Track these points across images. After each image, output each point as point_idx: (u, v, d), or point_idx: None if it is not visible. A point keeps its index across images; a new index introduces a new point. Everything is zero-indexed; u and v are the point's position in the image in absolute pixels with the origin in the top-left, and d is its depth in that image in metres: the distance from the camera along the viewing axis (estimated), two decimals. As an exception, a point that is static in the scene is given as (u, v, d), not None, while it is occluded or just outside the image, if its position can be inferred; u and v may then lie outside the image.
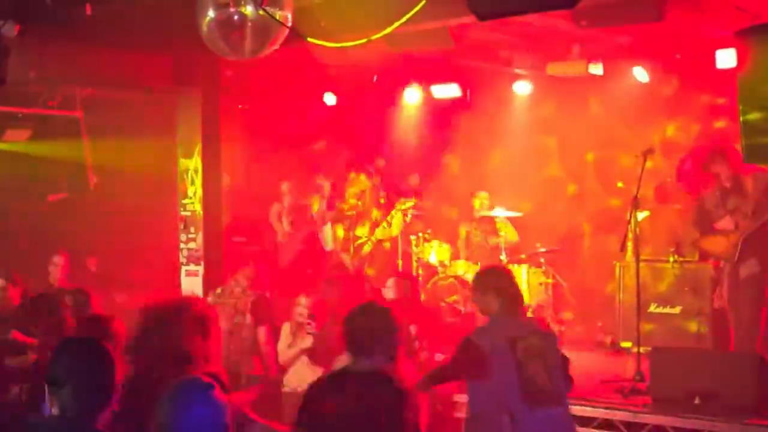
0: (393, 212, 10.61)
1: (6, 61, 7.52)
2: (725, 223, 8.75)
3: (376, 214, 10.76)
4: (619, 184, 11.41)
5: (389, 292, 8.38)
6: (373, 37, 7.22)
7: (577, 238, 12.54)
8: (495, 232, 11.75)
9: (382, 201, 10.82)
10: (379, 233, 10.64)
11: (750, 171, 8.63)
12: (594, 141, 12.27)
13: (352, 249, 10.95)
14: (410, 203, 10.83)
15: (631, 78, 11.11)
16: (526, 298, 11.10)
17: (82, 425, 3.59)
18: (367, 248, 10.72)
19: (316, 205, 11.46)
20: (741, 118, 7.46)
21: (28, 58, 8.67)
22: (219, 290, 9.54)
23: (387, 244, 10.86)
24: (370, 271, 10.77)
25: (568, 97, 12.15)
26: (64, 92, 11.06)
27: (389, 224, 10.63)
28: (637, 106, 11.70)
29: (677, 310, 9.76)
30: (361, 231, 10.81)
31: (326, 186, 11.56)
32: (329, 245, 11.42)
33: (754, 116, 7.40)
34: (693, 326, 9.64)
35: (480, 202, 12.06)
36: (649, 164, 8.60)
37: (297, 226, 11.45)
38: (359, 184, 10.80)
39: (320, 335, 8.18)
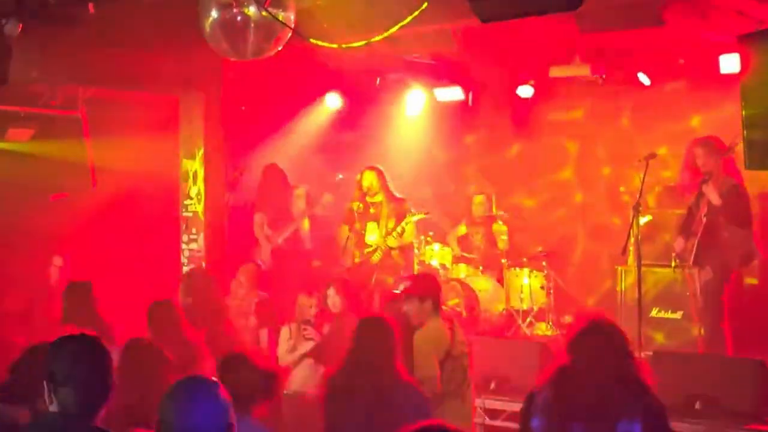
0: (405, 222, 10.54)
1: (8, 60, 7.53)
2: (697, 225, 8.73)
3: (384, 218, 10.67)
4: (621, 189, 11.43)
5: None
6: (375, 39, 7.22)
7: (573, 243, 12.51)
8: (493, 235, 11.76)
9: (392, 207, 10.72)
10: (391, 241, 10.57)
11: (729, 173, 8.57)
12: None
13: (358, 255, 10.88)
14: (422, 215, 10.77)
15: (635, 83, 11.12)
16: (527, 302, 11.12)
17: (81, 423, 3.59)
18: (377, 257, 10.66)
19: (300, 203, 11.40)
20: (744, 124, 7.46)
21: (30, 58, 8.66)
22: None
23: (395, 253, 10.82)
24: (389, 280, 10.70)
25: (573, 102, 12.15)
26: (67, 92, 11.05)
27: (401, 234, 10.57)
28: (639, 111, 11.70)
29: (678, 314, 9.72)
30: (371, 238, 10.74)
31: (302, 191, 11.50)
32: (308, 244, 11.37)
33: (757, 122, 7.39)
34: (694, 331, 9.60)
35: (479, 205, 12.06)
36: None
37: (278, 228, 11.34)
38: (368, 180, 10.72)
39: (327, 336, 8.23)
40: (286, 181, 11.38)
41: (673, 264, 9.65)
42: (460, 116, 12.86)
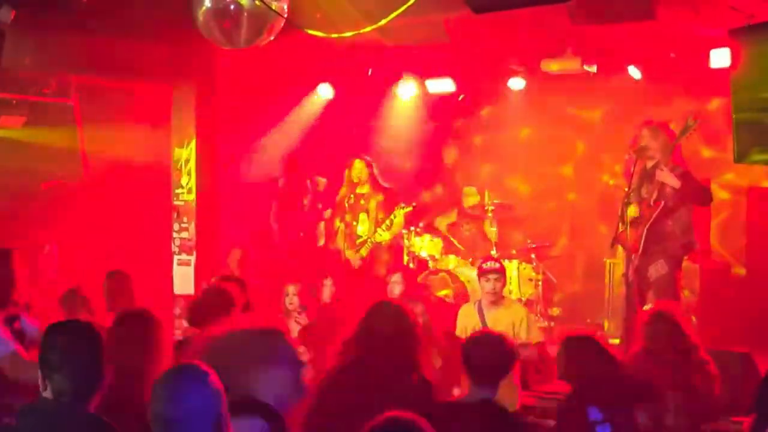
0: (393, 215, 10.54)
1: (1, 47, 7.53)
2: (633, 212, 8.59)
3: (373, 209, 10.67)
4: (611, 182, 11.46)
5: (396, 287, 8.46)
6: (367, 29, 7.24)
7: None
8: (483, 227, 11.82)
9: (380, 198, 10.73)
10: (378, 236, 10.57)
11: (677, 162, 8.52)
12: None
13: (345, 244, 10.88)
14: (409, 208, 10.76)
15: (626, 77, 11.18)
16: (516, 293, 11.16)
17: (76, 409, 3.60)
18: (366, 249, 10.67)
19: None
20: (734, 118, 7.49)
21: (23, 45, 8.67)
22: (214, 279, 9.57)
23: (385, 244, 10.84)
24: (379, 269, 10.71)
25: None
26: (59, 80, 11.05)
27: (389, 228, 10.57)
28: (628, 106, 11.74)
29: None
30: (362, 229, 10.75)
31: (321, 183, 11.51)
32: (321, 241, 11.43)
33: (746, 116, 7.42)
34: (683, 323, 9.61)
35: (469, 197, 12.10)
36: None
37: (284, 222, 11.34)
38: (357, 171, 10.72)
39: (312, 324, 8.29)
40: (301, 174, 11.41)
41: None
42: (452, 106, 12.92)
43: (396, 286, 8.48)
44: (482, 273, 8.38)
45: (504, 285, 8.36)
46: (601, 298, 10.86)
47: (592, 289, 11.67)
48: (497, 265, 8.45)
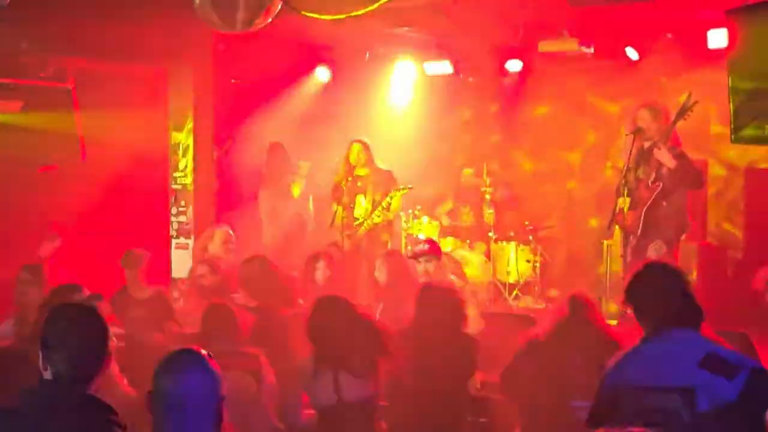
0: (390, 196, 10.51)
1: (-2, 31, 7.52)
2: (632, 193, 8.55)
3: (371, 193, 10.65)
4: (609, 164, 11.45)
5: (380, 274, 8.43)
6: (363, 11, 7.22)
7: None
8: (481, 209, 11.83)
9: (378, 180, 10.70)
10: (377, 217, 10.56)
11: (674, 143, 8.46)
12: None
13: (346, 228, 10.86)
14: (406, 190, 10.74)
15: (623, 57, 11.17)
16: (514, 275, 11.18)
17: (76, 391, 3.59)
18: (362, 230, 10.66)
19: (297, 188, 11.40)
20: (731, 98, 7.50)
21: (20, 29, 8.66)
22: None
23: (382, 226, 10.83)
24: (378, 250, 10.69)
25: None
26: (56, 64, 11.01)
27: (387, 209, 10.55)
28: (625, 86, 11.73)
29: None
30: (359, 211, 10.74)
31: (305, 167, 11.50)
32: (312, 225, 11.44)
33: (743, 96, 7.43)
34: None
35: (465, 179, 12.11)
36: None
37: (275, 216, 11.31)
38: (355, 154, 10.70)
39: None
40: (287, 161, 11.38)
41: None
42: (452, 89, 12.92)
43: (380, 273, 8.46)
44: (413, 256, 8.61)
45: (438, 266, 8.48)
46: (599, 280, 10.86)
47: (590, 271, 11.68)
48: (426, 247, 8.59)
